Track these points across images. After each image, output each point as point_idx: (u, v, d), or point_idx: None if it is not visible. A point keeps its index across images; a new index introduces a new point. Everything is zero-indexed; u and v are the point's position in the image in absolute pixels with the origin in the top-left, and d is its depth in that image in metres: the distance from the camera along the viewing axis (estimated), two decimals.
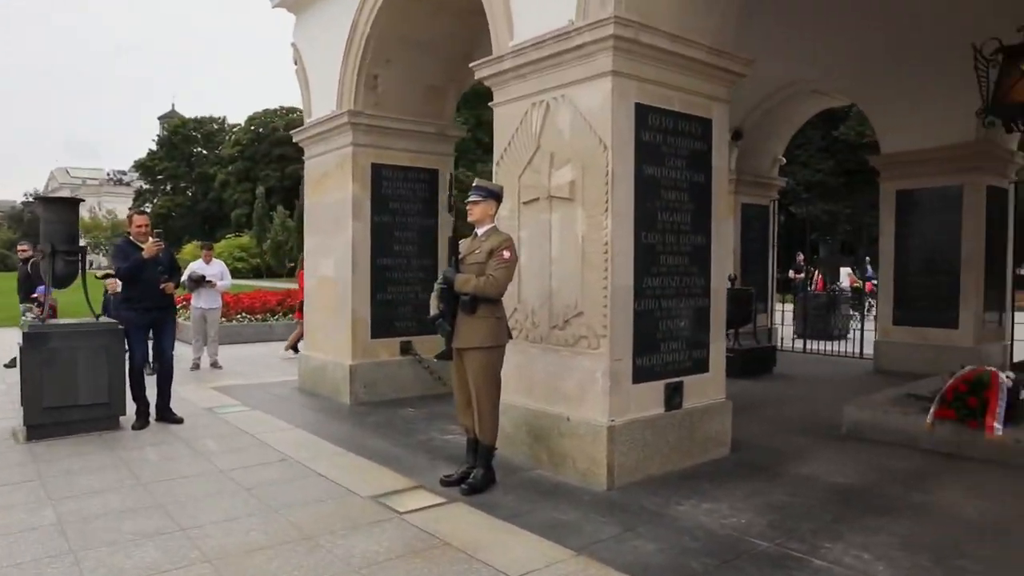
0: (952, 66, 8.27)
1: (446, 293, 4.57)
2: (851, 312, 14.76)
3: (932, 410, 5.62)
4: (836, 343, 12.67)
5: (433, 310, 4.65)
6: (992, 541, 3.86)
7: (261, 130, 61.75)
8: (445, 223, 8.17)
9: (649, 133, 4.92)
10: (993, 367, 5.85)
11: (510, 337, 4.75)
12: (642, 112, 4.86)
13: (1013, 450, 5.23)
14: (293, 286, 16.73)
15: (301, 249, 9.62)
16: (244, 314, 14.08)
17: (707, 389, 5.39)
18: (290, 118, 55.49)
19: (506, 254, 4.53)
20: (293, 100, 62.44)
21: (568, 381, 4.97)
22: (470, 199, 4.64)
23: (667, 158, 5.05)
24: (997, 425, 5.29)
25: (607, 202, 4.71)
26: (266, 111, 63.69)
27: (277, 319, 14.24)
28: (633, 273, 4.84)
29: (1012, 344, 9.80)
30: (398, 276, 7.88)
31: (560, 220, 5.05)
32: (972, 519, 4.18)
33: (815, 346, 12.09)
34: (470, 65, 5.76)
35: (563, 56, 4.90)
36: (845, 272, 16.78)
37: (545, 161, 5.11)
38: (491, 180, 5.26)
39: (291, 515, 4.17)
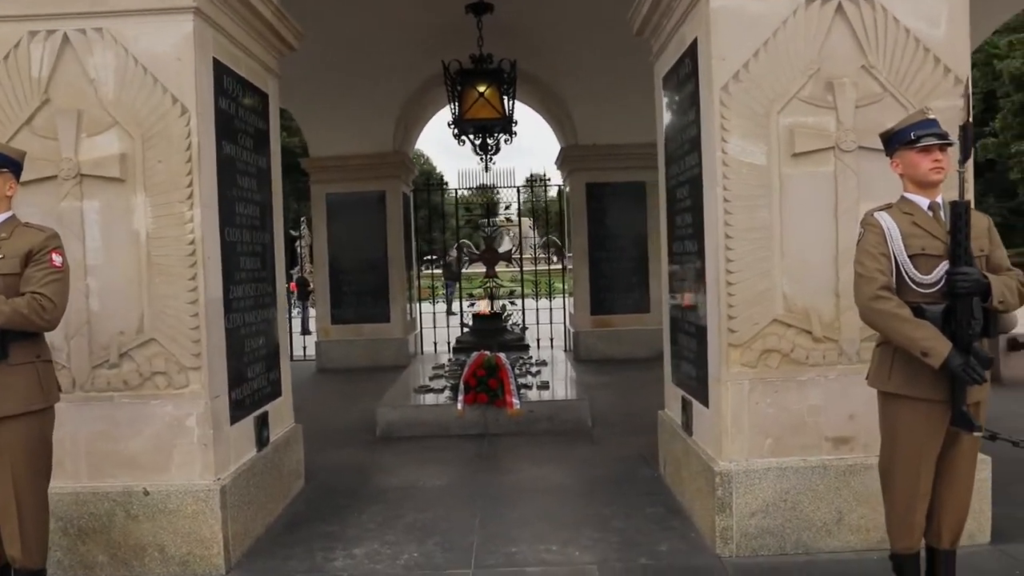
0: (376, 80, 8.98)
1: None
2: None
3: (461, 398, 6.01)
4: None
5: None
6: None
7: None
8: None
9: (225, 100, 3.82)
10: (487, 352, 6.60)
11: (60, 389, 3.03)
12: (219, 72, 3.74)
13: (528, 419, 6.01)
14: None
15: None
16: None
17: (283, 415, 4.53)
18: None
19: (56, 259, 2.87)
20: None
21: (136, 439, 3.47)
22: None
23: (239, 135, 4.02)
24: (515, 401, 5.99)
25: (190, 186, 3.45)
26: None
27: None
28: (222, 281, 3.69)
29: (422, 331, 11.28)
30: None
31: (101, 210, 3.47)
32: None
33: None
34: None
35: None
36: None
37: (66, 123, 3.43)
38: None
39: None
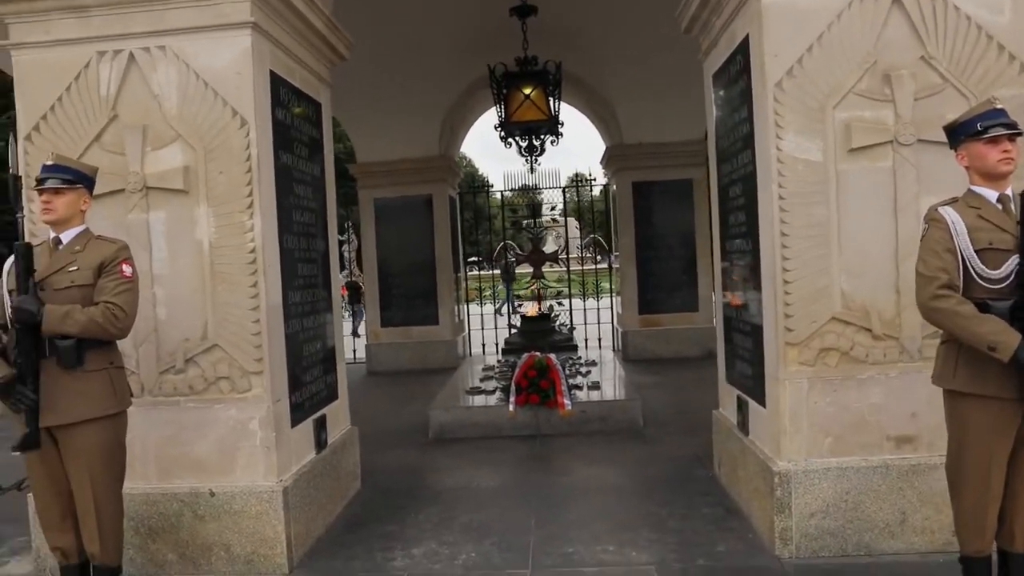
0: (422, 85, 9.08)
1: (23, 337, 2.77)
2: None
3: (512, 399, 6.04)
4: None
5: None
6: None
7: None
8: None
9: (282, 111, 3.92)
10: (537, 352, 6.63)
11: (131, 394, 3.15)
12: (275, 83, 3.84)
13: (579, 419, 6.02)
14: None
15: None
16: None
17: (339, 418, 4.63)
18: None
19: (126, 269, 2.99)
20: None
21: (202, 442, 3.59)
22: (47, 185, 2.91)
23: (295, 144, 4.12)
24: (566, 402, 6.00)
25: (250, 196, 3.55)
26: None
27: None
28: (281, 288, 3.79)
29: (470, 333, 11.36)
30: None
31: (167, 221, 3.60)
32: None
33: None
34: None
35: None
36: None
37: (132, 138, 3.57)
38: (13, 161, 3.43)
39: None
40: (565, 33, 8.29)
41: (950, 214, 2.58)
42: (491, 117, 8.65)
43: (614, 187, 10.69)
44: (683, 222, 9.94)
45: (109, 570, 3.00)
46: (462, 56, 8.67)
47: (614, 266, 11.63)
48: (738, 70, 3.89)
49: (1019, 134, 2.57)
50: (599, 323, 11.14)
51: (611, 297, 12.04)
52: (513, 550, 3.69)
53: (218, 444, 3.59)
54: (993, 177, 2.58)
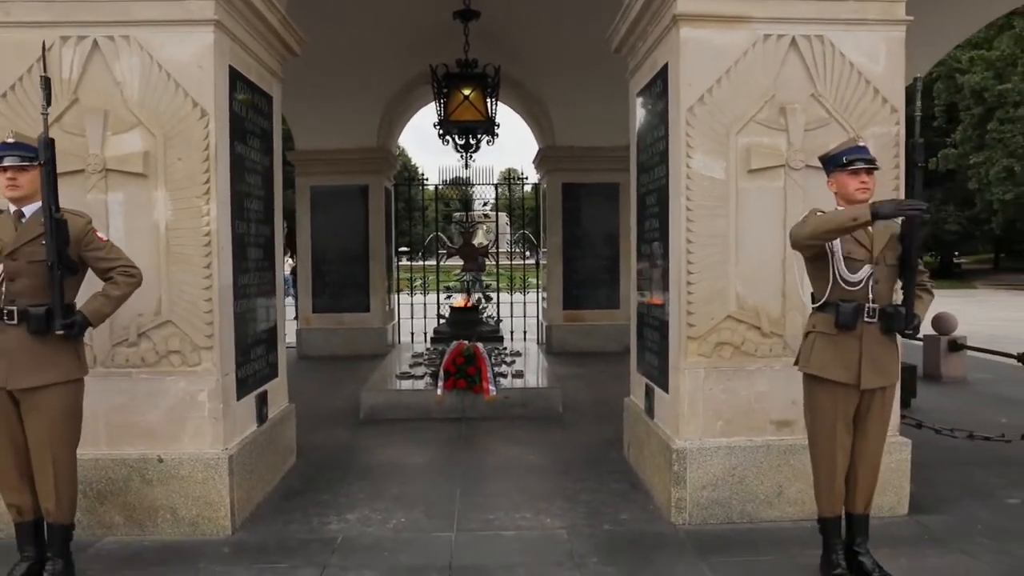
0: (363, 79, 9.31)
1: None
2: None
3: (441, 384, 6.41)
4: None
5: None
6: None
7: None
8: None
9: (238, 104, 4.17)
10: (466, 342, 7.01)
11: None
12: (233, 77, 4.08)
13: (503, 405, 6.43)
14: None
15: None
16: None
17: (279, 395, 4.89)
18: None
19: (101, 235, 3.29)
20: None
21: (152, 412, 3.83)
22: (7, 163, 3.10)
23: (248, 136, 4.36)
24: (491, 388, 6.41)
25: (207, 183, 3.80)
26: None
27: None
28: (232, 270, 4.05)
29: (399, 322, 11.63)
30: None
31: (125, 202, 3.81)
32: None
33: None
34: None
35: None
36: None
37: (93, 121, 3.76)
38: None
39: None
40: (506, 38, 8.68)
41: None
42: (428, 111, 8.96)
43: (544, 186, 11.15)
44: (609, 224, 10.46)
45: (62, 527, 3.22)
46: (404, 54, 8.94)
47: (541, 262, 12.10)
48: (658, 92, 4.37)
49: (875, 168, 3.12)
50: (525, 316, 11.58)
51: (537, 292, 12.50)
52: (440, 516, 4.07)
53: (168, 414, 3.83)
54: (852, 202, 3.12)
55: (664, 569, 3.44)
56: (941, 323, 8.60)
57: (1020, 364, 7.98)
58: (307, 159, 10.34)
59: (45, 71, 3.09)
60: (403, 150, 43.41)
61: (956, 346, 8.38)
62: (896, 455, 3.99)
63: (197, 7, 3.74)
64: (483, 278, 10.75)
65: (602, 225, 10.52)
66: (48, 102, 3.06)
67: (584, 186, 10.48)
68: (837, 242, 3.10)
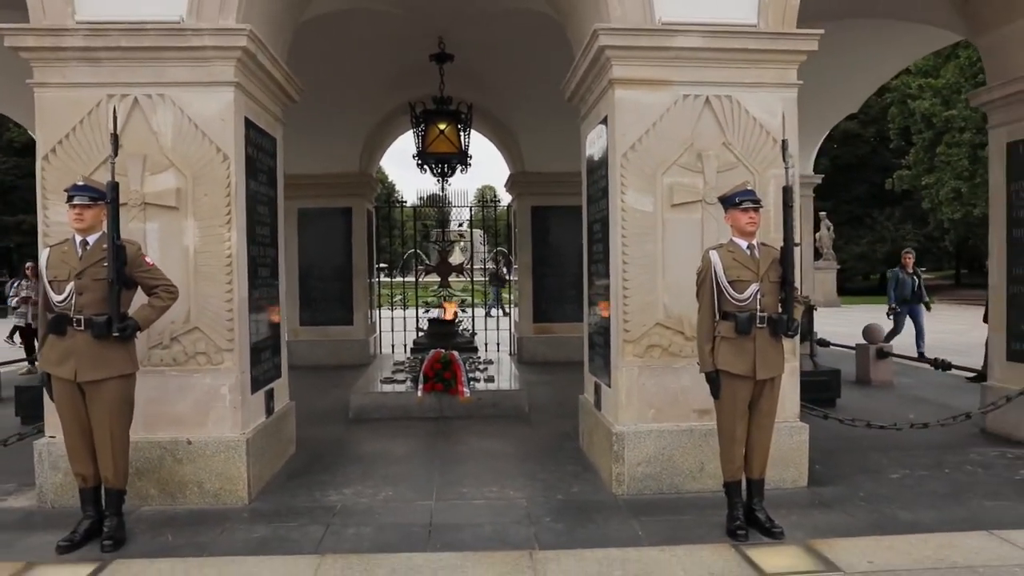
0: (347, 112, 10.17)
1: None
2: None
3: (420, 386, 7.23)
4: None
5: None
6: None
7: None
8: None
9: (250, 147, 4.99)
10: (443, 350, 7.83)
11: None
12: (247, 126, 4.92)
13: (476, 405, 7.27)
14: None
15: None
16: None
17: (282, 392, 5.69)
18: None
19: (149, 259, 4.11)
20: None
21: (182, 403, 4.62)
22: (76, 201, 3.91)
23: (258, 173, 5.19)
24: (466, 390, 7.24)
25: (229, 215, 4.63)
26: None
27: None
28: (248, 285, 4.86)
29: (380, 335, 12.42)
30: None
31: (160, 230, 4.62)
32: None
33: None
34: None
35: (167, 52, 4.53)
36: None
37: (134, 164, 4.57)
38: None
39: None
40: (477, 76, 9.60)
41: (714, 256, 4.01)
42: (407, 138, 9.81)
43: (515, 208, 12.04)
44: (575, 244, 11.01)
45: (117, 492, 4.01)
46: (385, 89, 9.85)
47: (512, 279, 12.95)
48: (602, 138, 5.27)
49: (760, 207, 4.03)
50: (498, 329, 12.43)
51: (510, 306, 13.35)
52: (421, 491, 4.89)
53: (195, 404, 4.62)
54: (744, 234, 4.02)
55: (602, 525, 4.29)
56: (870, 333, 9.60)
57: (935, 369, 9.01)
58: (295, 183, 10.99)
59: (115, 130, 3.90)
60: (381, 168, 44.25)
61: (883, 354, 9.37)
62: (796, 437, 4.89)
63: (220, 71, 4.59)
64: (455, 293, 11.54)
65: (569, 245, 11.34)
66: (115, 153, 3.87)
67: (552, 209, 11.35)
68: (721, 274, 3.98)
